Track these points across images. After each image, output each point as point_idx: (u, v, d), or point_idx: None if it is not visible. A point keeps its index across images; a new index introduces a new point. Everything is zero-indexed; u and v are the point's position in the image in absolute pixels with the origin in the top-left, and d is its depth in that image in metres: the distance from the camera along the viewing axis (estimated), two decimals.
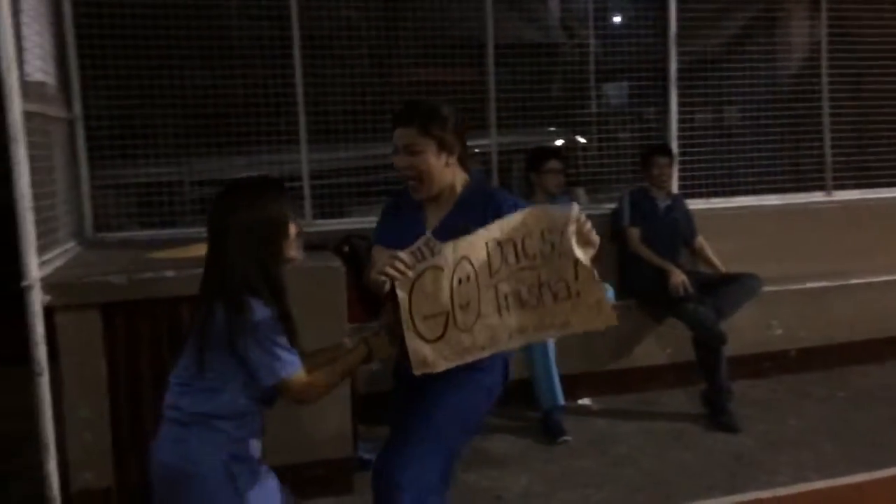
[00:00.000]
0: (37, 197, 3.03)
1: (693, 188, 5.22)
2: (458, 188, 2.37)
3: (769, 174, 5.48)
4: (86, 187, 4.35)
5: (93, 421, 3.18)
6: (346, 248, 4.04)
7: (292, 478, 2.46)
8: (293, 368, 2.03)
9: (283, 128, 4.64)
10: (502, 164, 5.07)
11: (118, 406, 3.20)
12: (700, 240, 4.85)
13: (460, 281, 2.06)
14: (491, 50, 4.93)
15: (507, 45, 5.07)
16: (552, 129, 5.48)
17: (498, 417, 4.30)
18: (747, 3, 5.51)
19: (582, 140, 5.58)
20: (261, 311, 2.01)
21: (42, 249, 3.10)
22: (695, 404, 4.42)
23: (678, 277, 4.38)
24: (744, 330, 4.63)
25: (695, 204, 5.06)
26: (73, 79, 4.24)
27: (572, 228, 2.03)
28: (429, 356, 2.07)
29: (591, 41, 5.40)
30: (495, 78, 4.95)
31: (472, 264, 2.06)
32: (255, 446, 2.14)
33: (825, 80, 5.48)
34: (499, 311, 2.09)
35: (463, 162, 2.37)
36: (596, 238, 2.05)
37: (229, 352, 2.01)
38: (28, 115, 3.00)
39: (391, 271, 2.02)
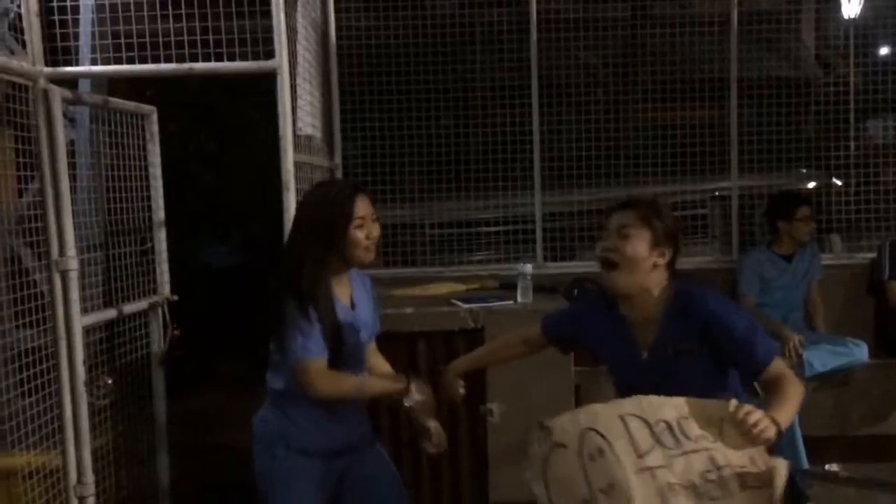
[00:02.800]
0: None
1: None
2: (657, 296, 2.14)
3: None
4: None
5: None
6: (576, 292, 4.06)
7: None
8: (310, 354, 2.11)
9: (518, 172, 4.81)
10: (743, 209, 4.83)
11: None
12: None
13: (591, 457, 1.78)
14: (734, 87, 4.75)
15: (752, 81, 4.85)
16: (803, 170, 5.13)
17: None
18: None
19: (839, 182, 5.14)
20: (296, 304, 2.13)
21: None
22: None
23: None
24: None
25: None
26: (336, 131, 4.72)
27: (729, 425, 1.79)
28: None
29: (852, 75, 5.00)
30: (738, 116, 4.75)
31: (603, 437, 1.79)
32: (313, 431, 2.24)
33: None
34: (664, 501, 1.74)
35: (670, 272, 2.18)
36: (764, 435, 1.76)
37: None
38: (298, 165, 3.38)
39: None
